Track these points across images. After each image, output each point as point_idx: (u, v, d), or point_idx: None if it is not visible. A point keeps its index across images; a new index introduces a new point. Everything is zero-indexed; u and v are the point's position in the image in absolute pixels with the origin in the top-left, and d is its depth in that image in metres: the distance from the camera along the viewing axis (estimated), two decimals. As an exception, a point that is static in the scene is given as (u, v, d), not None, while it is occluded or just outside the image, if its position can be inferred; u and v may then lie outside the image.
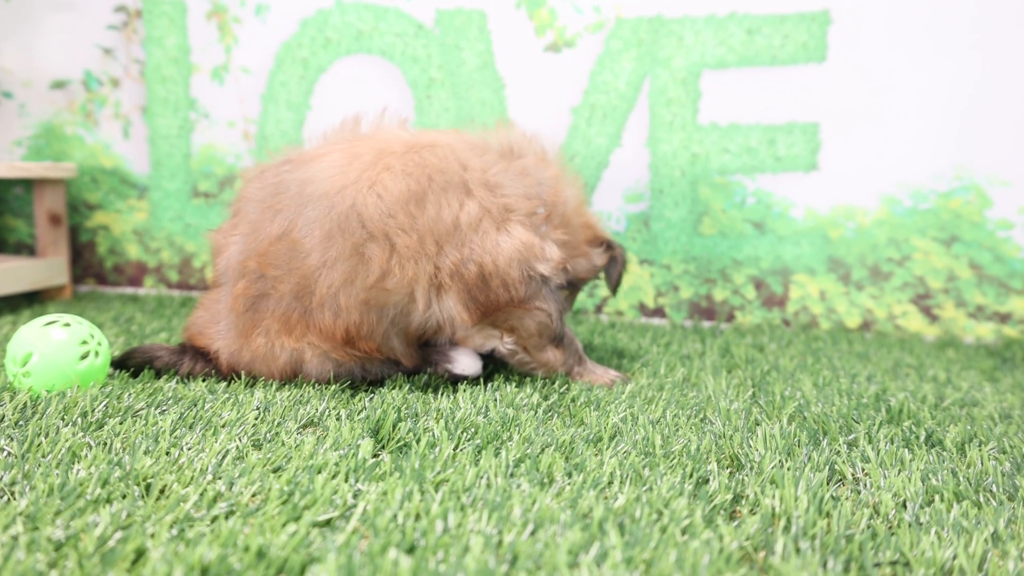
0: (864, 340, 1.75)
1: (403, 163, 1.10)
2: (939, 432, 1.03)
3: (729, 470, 0.89)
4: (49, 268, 2.00)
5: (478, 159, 1.15)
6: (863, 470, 0.90)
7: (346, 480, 0.80)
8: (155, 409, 1.00)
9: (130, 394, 1.05)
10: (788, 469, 0.87)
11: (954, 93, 1.78)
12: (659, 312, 1.97)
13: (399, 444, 0.93)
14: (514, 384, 1.21)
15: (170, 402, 1.04)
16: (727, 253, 1.92)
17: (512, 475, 0.84)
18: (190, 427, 0.94)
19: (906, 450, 0.95)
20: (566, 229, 1.23)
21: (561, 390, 1.20)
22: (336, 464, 0.83)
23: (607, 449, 0.93)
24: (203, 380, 1.16)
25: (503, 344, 1.21)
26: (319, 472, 0.81)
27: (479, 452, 0.91)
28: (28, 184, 2.20)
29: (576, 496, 0.77)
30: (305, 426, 0.99)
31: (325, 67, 2.05)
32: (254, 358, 1.13)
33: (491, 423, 0.99)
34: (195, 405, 1.02)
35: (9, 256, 2.12)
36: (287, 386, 1.15)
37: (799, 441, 0.98)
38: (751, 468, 0.88)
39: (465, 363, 1.16)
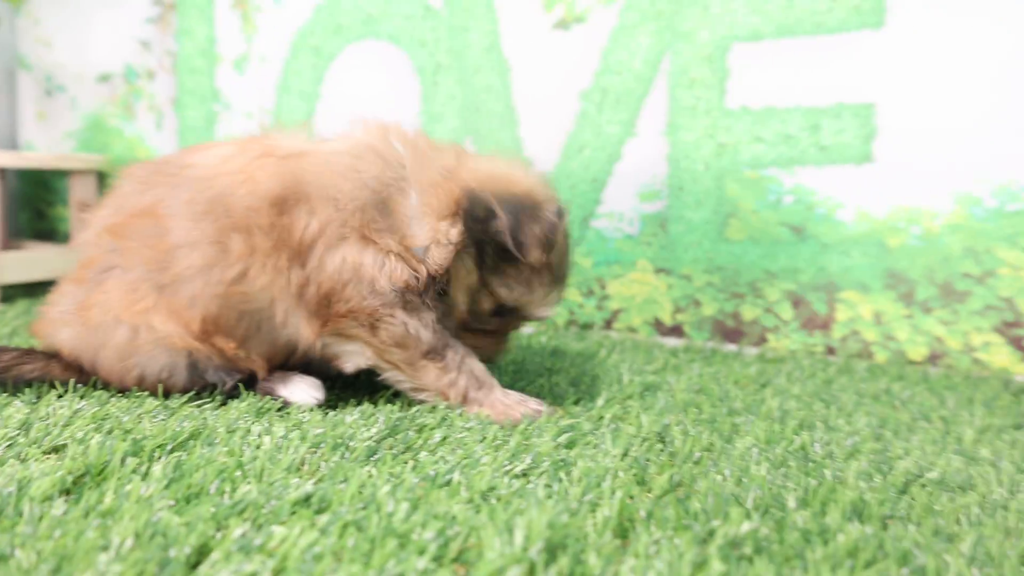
0: (928, 377, 1.38)
1: (278, 167, 1.03)
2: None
3: None
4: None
5: (332, 170, 1.03)
6: None
7: None
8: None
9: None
10: None
11: (1060, 62, 1.37)
12: (677, 330, 1.68)
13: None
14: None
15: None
16: (758, 263, 1.60)
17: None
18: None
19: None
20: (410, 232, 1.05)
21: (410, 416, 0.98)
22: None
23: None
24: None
25: (364, 358, 1.03)
26: None
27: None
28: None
29: None
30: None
31: (335, 54, 1.94)
32: (86, 333, 1.03)
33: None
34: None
35: (49, 244, 2.18)
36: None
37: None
38: None
39: (298, 392, 1.03)
